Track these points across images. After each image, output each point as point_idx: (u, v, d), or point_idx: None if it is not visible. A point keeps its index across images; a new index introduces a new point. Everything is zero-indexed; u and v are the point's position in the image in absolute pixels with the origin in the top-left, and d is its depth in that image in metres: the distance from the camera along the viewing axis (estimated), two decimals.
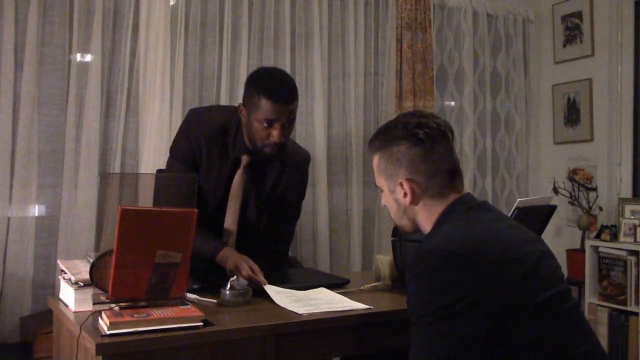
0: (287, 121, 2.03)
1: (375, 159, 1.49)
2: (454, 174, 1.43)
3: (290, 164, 2.22)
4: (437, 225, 1.40)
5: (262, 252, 2.20)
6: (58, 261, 1.99)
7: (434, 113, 1.50)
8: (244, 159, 2.13)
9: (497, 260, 1.26)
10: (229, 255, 2.02)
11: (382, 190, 1.51)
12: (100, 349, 1.38)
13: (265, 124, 2.00)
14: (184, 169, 2.13)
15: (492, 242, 1.30)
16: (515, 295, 1.24)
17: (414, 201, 1.43)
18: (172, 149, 2.22)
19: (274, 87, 2.01)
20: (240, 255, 2.03)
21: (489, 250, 1.27)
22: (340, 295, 1.87)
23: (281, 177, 2.22)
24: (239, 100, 3.08)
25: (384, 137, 1.46)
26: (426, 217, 1.44)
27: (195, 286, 1.93)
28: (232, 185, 2.14)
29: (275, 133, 2.01)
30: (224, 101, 3.08)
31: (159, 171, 2.56)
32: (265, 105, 1.98)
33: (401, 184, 1.43)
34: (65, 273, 1.76)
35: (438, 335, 1.22)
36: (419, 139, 1.40)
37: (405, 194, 1.43)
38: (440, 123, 1.43)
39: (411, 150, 1.41)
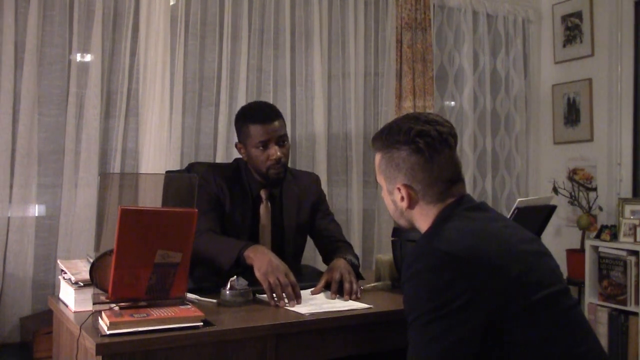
0: (280, 139, 2.16)
1: (377, 158, 1.49)
2: (454, 180, 1.42)
3: (303, 185, 2.34)
4: (434, 225, 1.41)
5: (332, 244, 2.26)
6: (58, 261, 1.98)
7: (439, 117, 1.47)
8: (263, 193, 2.24)
9: (493, 259, 1.26)
10: (263, 255, 1.88)
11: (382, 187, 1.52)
12: (100, 349, 1.38)
13: (261, 148, 2.14)
14: (214, 212, 2.14)
15: (488, 241, 1.30)
16: (511, 295, 1.24)
17: (411, 206, 1.44)
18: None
19: (256, 111, 2.20)
20: (278, 260, 1.87)
21: (485, 249, 1.27)
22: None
23: (300, 198, 2.31)
24: (238, 99, 3.10)
25: (387, 138, 1.45)
26: (423, 220, 1.44)
27: (195, 286, 1.93)
28: (260, 218, 2.23)
29: (272, 152, 2.13)
30: (223, 101, 3.08)
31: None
32: (254, 130, 2.14)
33: (399, 189, 1.43)
34: (65, 273, 1.76)
35: (434, 335, 1.22)
36: (419, 148, 1.39)
37: (402, 198, 1.43)
38: (443, 131, 1.41)
39: (411, 158, 1.40)
